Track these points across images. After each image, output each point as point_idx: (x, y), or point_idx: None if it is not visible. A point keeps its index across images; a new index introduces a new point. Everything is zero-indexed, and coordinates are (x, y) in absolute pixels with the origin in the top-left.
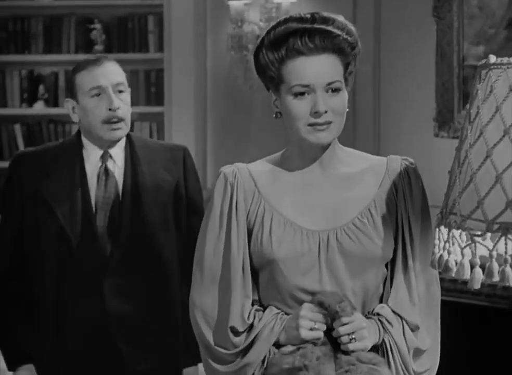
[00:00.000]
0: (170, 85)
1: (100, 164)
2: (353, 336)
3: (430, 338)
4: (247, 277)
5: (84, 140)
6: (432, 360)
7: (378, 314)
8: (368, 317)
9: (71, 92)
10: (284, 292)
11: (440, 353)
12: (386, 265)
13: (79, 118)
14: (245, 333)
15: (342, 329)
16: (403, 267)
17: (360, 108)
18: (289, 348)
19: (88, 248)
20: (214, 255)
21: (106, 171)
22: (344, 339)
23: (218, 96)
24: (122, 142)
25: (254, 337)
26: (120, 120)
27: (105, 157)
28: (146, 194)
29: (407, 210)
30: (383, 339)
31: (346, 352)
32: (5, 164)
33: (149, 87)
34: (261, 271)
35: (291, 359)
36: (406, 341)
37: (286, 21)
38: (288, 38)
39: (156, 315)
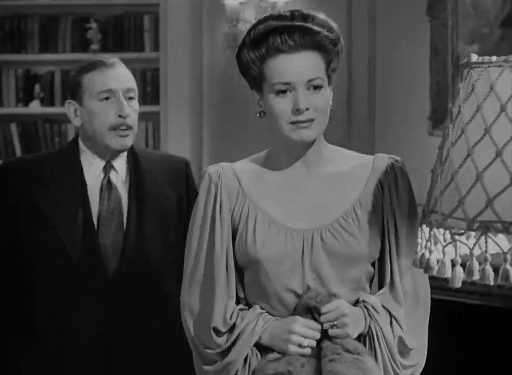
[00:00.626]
0: (166, 84)
1: (102, 176)
2: (334, 323)
3: (416, 336)
4: (231, 277)
5: (83, 148)
6: (419, 356)
7: (364, 301)
8: (354, 305)
9: (74, 93)
10: (268, 291)
11: (435, 352)
12: (374, 265)
13: (82, 122)
14: (227, 333)
15: (322, 318)
16: (390, 266)
17: (355, 106)
18: (275, 355)
19: (90, 266)
20: (198, 255)
21: (109, 183)
22: (326, 325)
23: (214, 94)
24: (124, 153)
25: (236, 337)
26: (129, 128)
27: (107, 168)
28: (150, 210)
29: (393, 208)
30: (369, 327)
31: (331, 340)
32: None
33: (145, 86)
34: (246, 270)
35: (275, 365)
36: (392, 331)
37: (266, 19)
38: (268, 36)
39: (158, 335)
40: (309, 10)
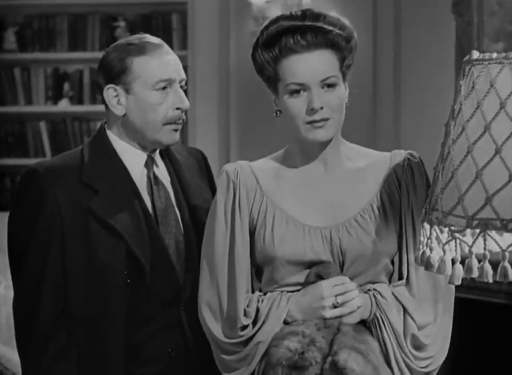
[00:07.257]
0: (194, 82)
1: (145, 171)
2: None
3: (433, 329)
4: (249, 274)
5: (117, 141)
6: (438, 347)
7: (374, 289)
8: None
9: (117, 78)
10: (286, 289)
11: (460, 350)
12: (393, 261)
13: (126, 112)
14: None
15: None
16: (407, 261)
17: (380, 105)
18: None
19: (162, 274)
20: (220, 252)
21: (155, 179)
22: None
23: (242, 92)
24: None
25: (264, 318)
26: (183, 121)
27: (149, 162)
28: (195, 203)
29: (410, 204)
30: (375, 315)
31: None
32: (31, 161)
33: None
34: (264, 268)
35: (293, 327)
36: (404, 323)
37: (277, 19)
38: (280, 37)
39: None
40: (324, 8)
